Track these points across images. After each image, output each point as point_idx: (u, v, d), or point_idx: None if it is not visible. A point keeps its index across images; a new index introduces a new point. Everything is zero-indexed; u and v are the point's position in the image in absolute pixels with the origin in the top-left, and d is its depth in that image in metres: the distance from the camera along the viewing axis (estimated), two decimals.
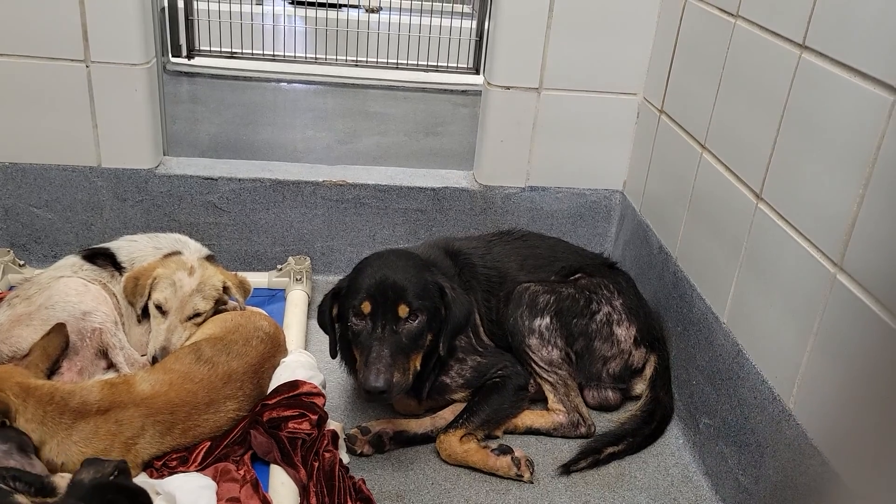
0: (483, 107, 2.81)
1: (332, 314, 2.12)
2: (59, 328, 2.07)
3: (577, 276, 2.42)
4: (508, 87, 2.70)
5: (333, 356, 2.18)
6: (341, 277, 2.17)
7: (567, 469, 2.13)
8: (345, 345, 2.16)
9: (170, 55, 4.57)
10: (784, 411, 1.81)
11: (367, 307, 2.00)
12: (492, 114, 2.75)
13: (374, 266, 2.09)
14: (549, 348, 2.26)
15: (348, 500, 1.90)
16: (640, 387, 2.40)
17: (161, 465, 1.91)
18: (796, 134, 1.82)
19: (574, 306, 2.30)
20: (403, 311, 2.00)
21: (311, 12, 4.87)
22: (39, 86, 2.54)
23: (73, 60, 2.52)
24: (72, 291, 2.17)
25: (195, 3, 4.56)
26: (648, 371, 2.38)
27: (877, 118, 1.54)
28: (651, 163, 2.67)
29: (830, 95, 1.69)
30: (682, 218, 2.40)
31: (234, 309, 2.34)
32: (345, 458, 2.07)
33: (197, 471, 1.90)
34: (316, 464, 1.94)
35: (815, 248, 1.72)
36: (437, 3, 5.49)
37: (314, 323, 2.59)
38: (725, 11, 2.18)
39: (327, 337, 2.16)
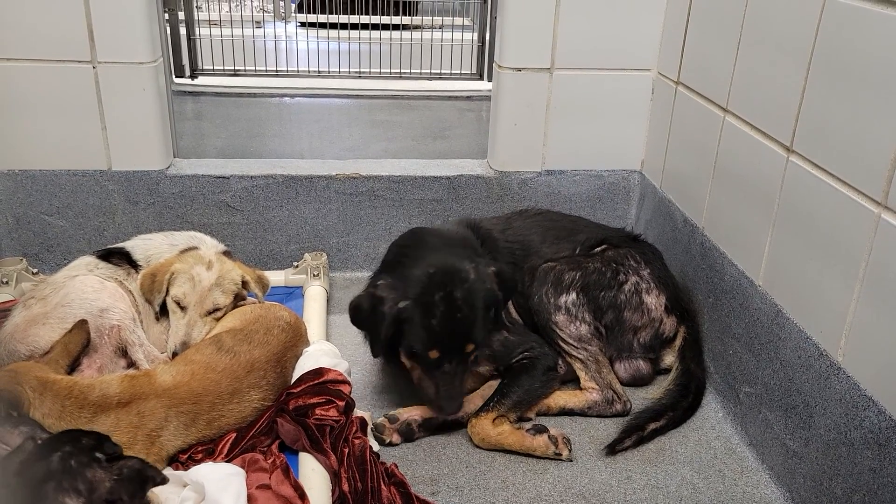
0: (495, 91, 2.77)
1: (387, 333, 2.00)
2: (81, 325, 2.01)
3: (602, 247, 2.36)
4: (520, 69, 2.66)
5: (376, 356, 2.15)
6: (391, 288, 2.01)
7: (612, 449, 2.05)
8: (392, 351, 2.10)
9: (173, 76, 4.56)
10: (832, 365, 1.73)
11: (434, 353, 1.99)
12: (504, 97, 2.70)
13: (437, 304, 1.95)
14: (577, 324, 2.19)
15: (381, 484, 1.83)
16: (669, 358, 2.32)
17: (186, 459, 1.84)
18: (827, 76, 1.76)
19: (601, 279, 2.24)
20: (470, 348, 2.01)
21: (322, 32, 4.90)
22: (46, 89, 2.50)
23: (79, 62, 2.49)
24: (88, 289, 2.12)
25: (197, 27, 4.57)
26: (678, 342, 2.31)
27: None
28: (670, 137, 2.61)
29: (864, 29, 1.64)
30: (706, 187, 2.35)
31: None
32: (374, 446, 2.00)
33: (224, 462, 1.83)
34: (346, 450, 1.87)
35: (855, 190, 1.66)
36: (438, 18, 5.58)
37: (334, 318, 2.55)
38: None
39: (348, 332, 2.10)
